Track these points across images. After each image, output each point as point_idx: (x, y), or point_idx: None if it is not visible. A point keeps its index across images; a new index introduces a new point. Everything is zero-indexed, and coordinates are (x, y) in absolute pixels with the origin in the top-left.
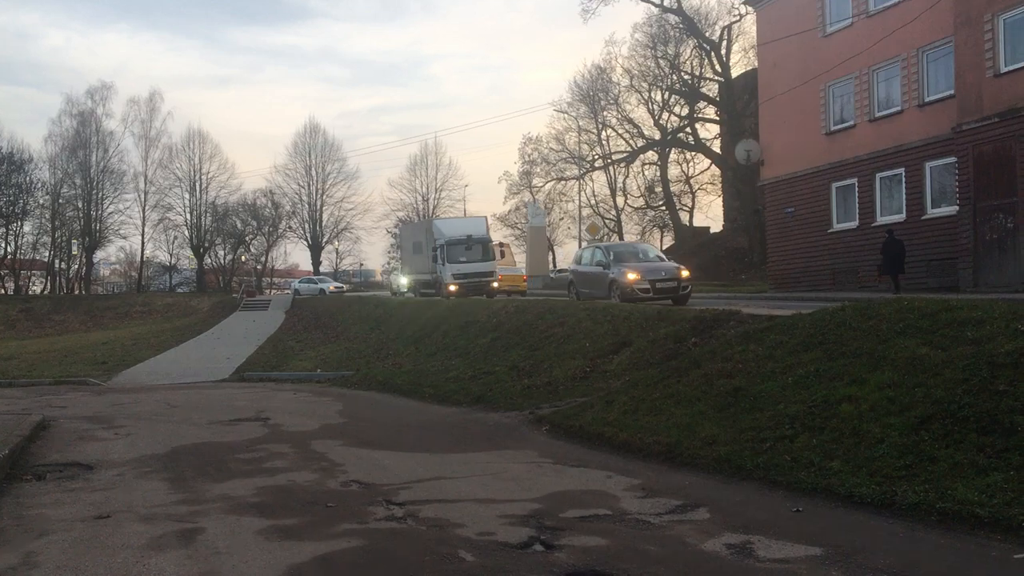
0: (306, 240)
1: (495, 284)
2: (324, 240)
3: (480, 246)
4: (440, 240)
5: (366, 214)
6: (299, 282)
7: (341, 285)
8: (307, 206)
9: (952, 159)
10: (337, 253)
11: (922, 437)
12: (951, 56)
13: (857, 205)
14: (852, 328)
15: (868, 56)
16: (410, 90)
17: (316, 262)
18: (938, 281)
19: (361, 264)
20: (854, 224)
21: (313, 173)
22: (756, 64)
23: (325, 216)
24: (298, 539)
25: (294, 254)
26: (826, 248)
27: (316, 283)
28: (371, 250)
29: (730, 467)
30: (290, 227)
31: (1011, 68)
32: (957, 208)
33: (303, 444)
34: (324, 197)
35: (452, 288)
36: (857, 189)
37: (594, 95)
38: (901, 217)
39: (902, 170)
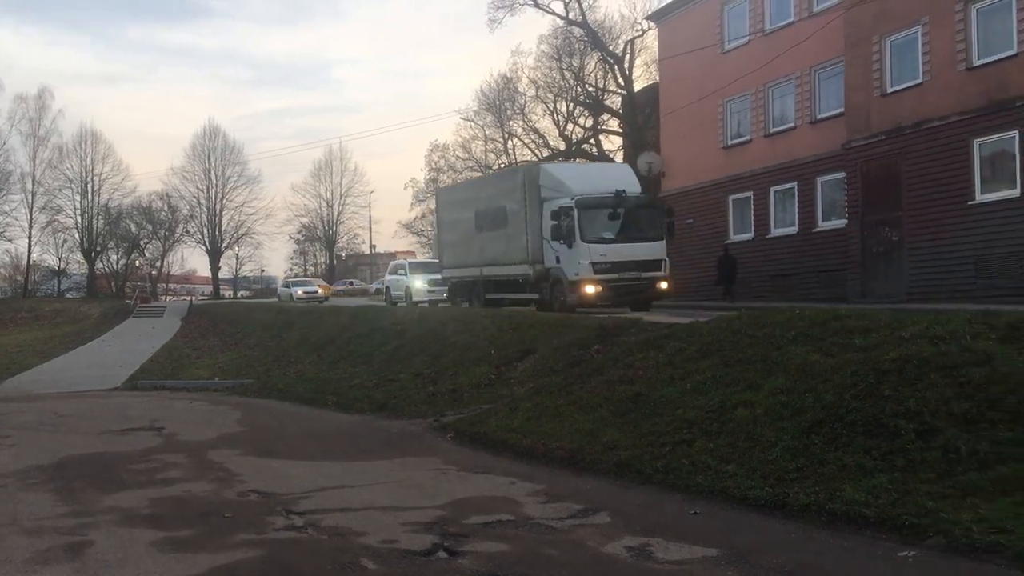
0: (204, 245)
1: (664, 285)
2: (223, 245)
3: (642, 213)
4: (562, 200)
5: (268, 219)
6: (284, 286)
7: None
8: (206, 210)
9: (842, 174)
10: (237, 259)
11: (813, 441)
12: (842, 75)
13: (752, 217)
14: (747, 336)
15: (764, 73)
16: (314, 93)
17: (215, 268)
18: (827, 292)
19: (262, 270)
20: (750, 236)
21: (212, 176)
22: (658, 78)
23: (225, 221)
24: (193, 551)
25: (191, 259)
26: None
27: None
28: (273, 256)
29: (631, 471)
30: (187, 231)
31: (897, 88)
32: (846, 221)
33: (199, 454)
34: (224, 201)
35: (589, 290)
36: (753, 202)
37: (500, 104)
38: (794, 229)
39: (795, 184)
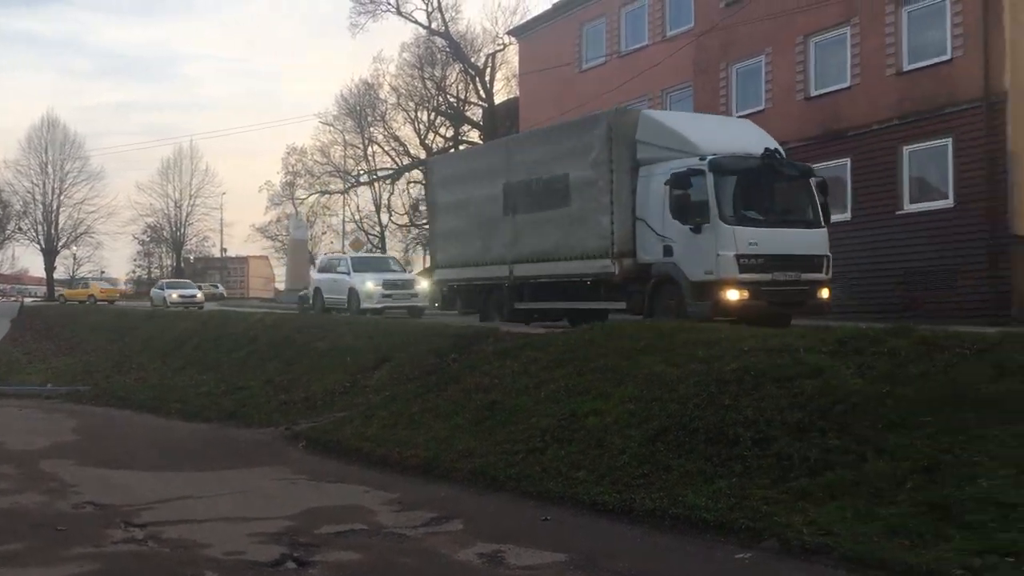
0: (39, 243)
1: (826, 293)
2: (60, 244)
3: (797, 186)
4: (684, 161)
5: (110, 218)
6: (158, 288)
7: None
8: (41, 206)
9: None
10: (75, 259)
11: (658, 448)
12: (692, 99)
13: None
14: (600, 346)
15: (619, 94)
16: (164, 89)
17: (49, 268)
18: None
19: (102, 272)
20: None
21: (50, 170)
22: (518, 92)
23: (62, 218)
24: (22, 566)
25: (24, 258)
26: None
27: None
28: (114, 257)
29: (485, 479)
30: (20, 228)
31: (742, 114)
32: None
33: (30, 464)
34: (62, 197)
35: (732, 296)
36: None
37: (361, 110)
38: None
39: None
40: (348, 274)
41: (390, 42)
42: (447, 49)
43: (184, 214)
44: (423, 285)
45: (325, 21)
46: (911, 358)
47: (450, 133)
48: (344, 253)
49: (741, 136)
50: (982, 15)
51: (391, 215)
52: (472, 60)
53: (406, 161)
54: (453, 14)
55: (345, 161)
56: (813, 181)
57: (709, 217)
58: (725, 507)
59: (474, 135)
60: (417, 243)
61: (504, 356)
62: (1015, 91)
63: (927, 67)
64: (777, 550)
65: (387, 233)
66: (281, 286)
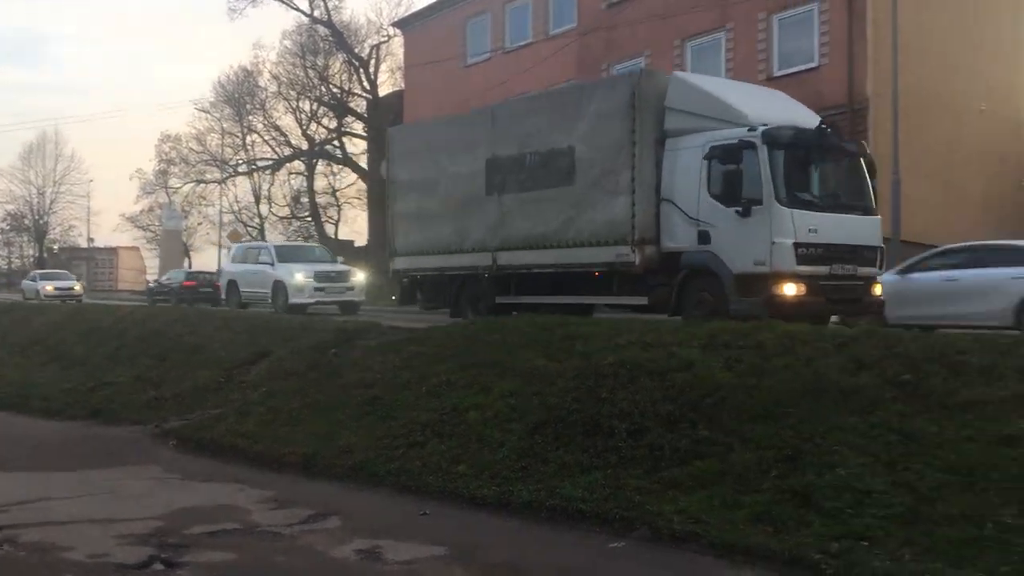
0: None
1: (879, 290)
2: None
3: (848, 166)
4: (728, 132)
5: None
6: (30, 279)
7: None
8: None
9: None
10: None
11: (537, 441)
12: None
13: None
14: (482, 341)
15: (504, 90)
16: (26, 70)
17: None
18: None
19: None
20: None
21: None
22: (403, 85)
23: None
24: None
25: None
26: None
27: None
28: None
29: (365, 474)
30: None
31: None
32: None
33: None
34: None
35: (789, 291)
36: None
37: (240, 98)
38: None
39: None
40: (272, 265)
41: (271, 29)
42: (330, 38)
43: (48, 202)
44: (359, 277)
45: (202, 5)
46: (776, 352)
47: (333, 124)
48: (266, 241)
49: (788, 107)
50: (847, 25)
51: (271, 206)
52: (356, 51)
53: (287, 152)
54: (336, 2)
55: (223, 150)
56: (864, 161)
57: (762, 197)
58: (600, 497)
59: (359, 127)
60: (299, 235)
61: (387, 351)
62: (876, 97)
63: (796, 73)
64: (649, 538)
65: (267, 225)
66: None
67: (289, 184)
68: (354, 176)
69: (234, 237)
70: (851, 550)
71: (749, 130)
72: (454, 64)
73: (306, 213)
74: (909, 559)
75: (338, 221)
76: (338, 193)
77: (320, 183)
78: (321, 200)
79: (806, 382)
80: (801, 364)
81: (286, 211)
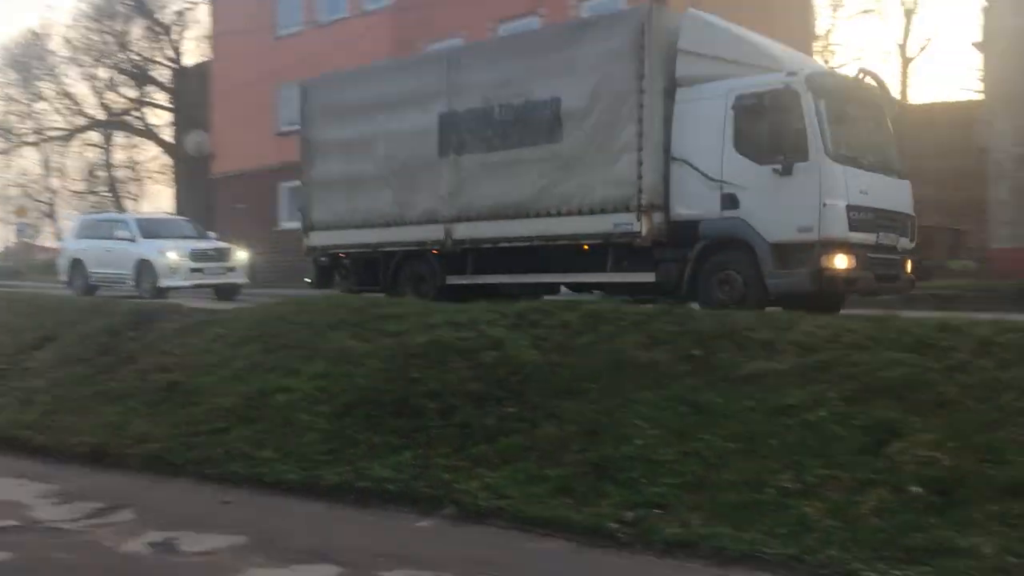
0: None
1: (910, 267)
2: None
3: (883, 122)
4: (762, 79)
5: None
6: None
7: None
8: None
9: None
10: None
11: (346, 423)
12: None
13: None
14: (290, 322)
15: (315, 65)
16: None
17: None
18: None
19: None
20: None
21: None
22: (211, 55)
23: None
24: None
25: None
26: (273, 246)
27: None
28: None
29: (162, 464)
30: None
31: None
32: None
33: None
34: None
35: (841, 263)
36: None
37: (28, 62)
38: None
39: None
40: (133, 241)
41: None
42: (130, 2)
43: None
44: (241, 256)
45: None
46: (580, 329)
47: (134, 94)
48: (127, 212)
49: (806, 58)
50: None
51: (64, 180)
52: (158, 16)
53: (82, 122)
54: None
55: (7, 117)
56: (891, 116)
57: (808, 152)
58: (408, 477)
59: (162, 97)
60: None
61: (186, 333)
62: None
63: None
64: (456, 516)
65: (59, 199)
66: None
67: (84, 156)
68: (157, 149)
69: (20, 212)
70: (645, 518)
71: (787, 74)
72: (264, 36)
73: (104, 188)
74: (698, 524)
75: (139, 197)
76: (139, 167)
77: (120, 156)
78: (121, 174)
79: (607, 359)
80: (603, 341)
81: (82, 185)
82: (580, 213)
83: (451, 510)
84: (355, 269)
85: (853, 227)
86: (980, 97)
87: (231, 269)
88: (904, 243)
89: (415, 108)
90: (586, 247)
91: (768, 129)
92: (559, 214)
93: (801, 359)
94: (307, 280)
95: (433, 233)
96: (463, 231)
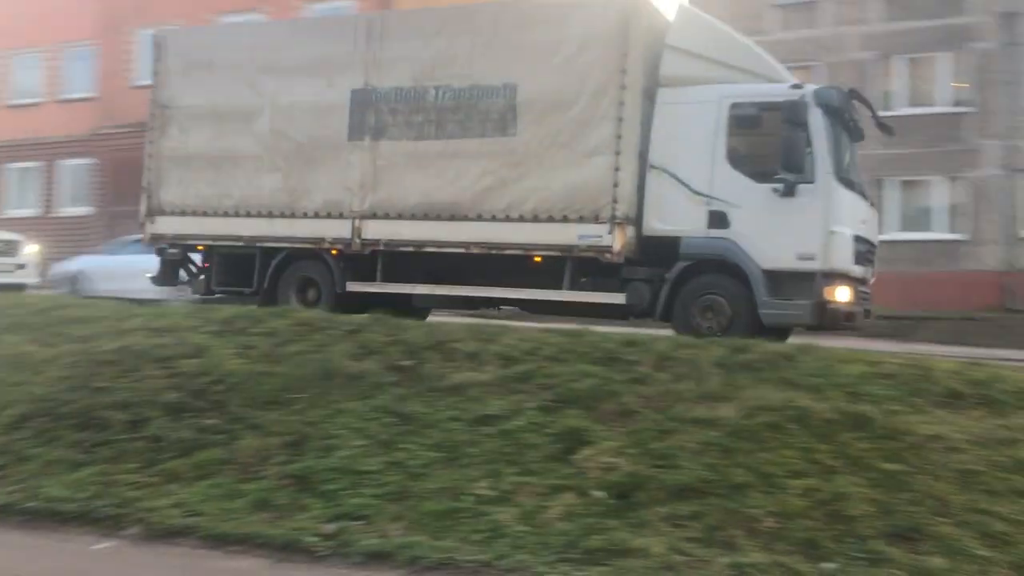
0: None
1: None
2: None
3: (856, 145)
4: (765, 90)
5: None
6: None
7: None
8: None
9: (90, 160)
10: None
11: (18, 436)
12: (97, 57)
13: None
14: None
15: (7, 39)
16: None
17: None
18: None
19: None
20: None
21: None
22: None
23: None
24: None
25: None
26: None
27: None
28: None
29: None
30: None
31: (147, 83)
32: (93, 209)
33: None
34: None
35: (843, 295)
36: None
37: None
38: (36, 212)
39: (39, 164)
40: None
41: None
42: None
43: None
44: (31, 250)
45: None
46: (290, 338)
47: None
48: None
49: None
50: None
51: None
52: None
53: None
54: None
55: None
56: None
57: (816, 174)
58: (89, 496)
59: None
60: None
61: None
62: None
63: None
64: (141, 536)
65: None
66: None
67: None
68: None
69: None
70: (347, 529)
71: (793, 86)
72: None
73: None
74: (397, 534)
75: None
76: None
77: None
78: None
79: (316, 368)
80: (313, 350)
81: None
82: (536, 220)
83: (136, 530)
84: (218, 266)
85: (856, 259)
86: None
87: (20, 266)
88: (871, 275)
89: (316, 78)
90: (538, 259)
91: (769, 144)
92: (508, 219)
93: (504, 370)
94: (148, 276)
95: (335, 229)
96: (376, 230)
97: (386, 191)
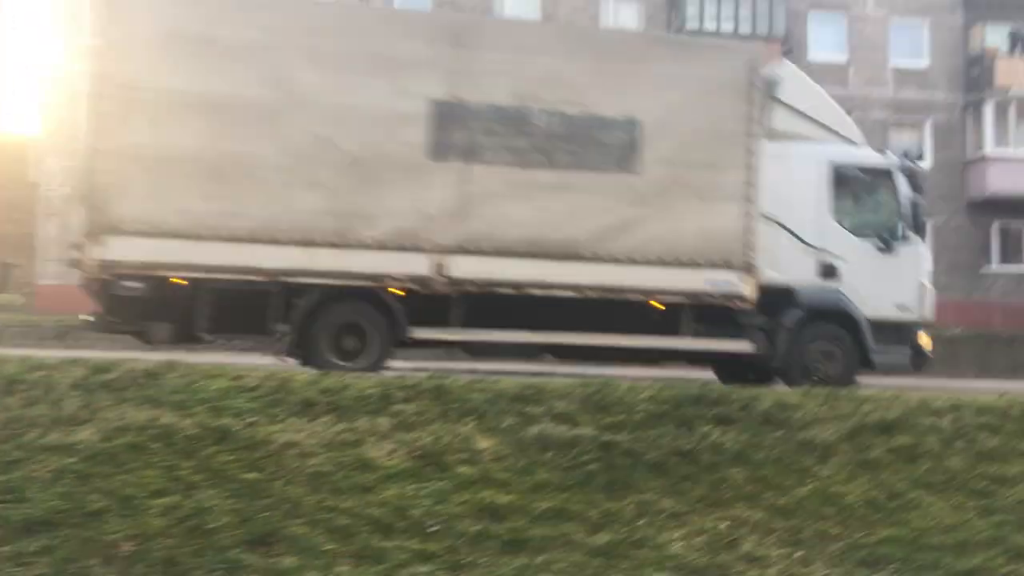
0: None
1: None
2: None
3: None
4: (870, 154)
5: None
6: None
7: None
8: None
9: None
10: None
11: None
12: None
13: None
14: None
15: None
16: None
17: None
18: None
19: None
20: None
21: None
22: None
23: None
24: None
25: None
26: None
27: None
28: None
29: None
30: None
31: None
32: None
33: None
34: None
35: (926, 342)
36: None
37: None
38: None
39: None
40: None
41: None
42: None
43: None
44: None
45: None
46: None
47: None
48: None
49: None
50: None
51: None
52: None
53: None
54: None
55: None
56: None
57: (908, 233)
58: None
59: None
60: None
61: None
62: None
63: None
64: None
65: None
66: None
67: None
68: None
69: None
70: None
71: (883, 153)
72: None
73: None
74: None
75: None
76: None
77: None
78: None
79: None
80: None
81: None
82: (662, 264)
83: None
84: (211, 307)
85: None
86: (36, 133)
87: None
88: None
89: (378, 79)
90: (657, 305)
91: (865, 203)
92: (631, 261)
93: None
94: (85, 318)
95: (406, 265)
96: (468, 267)
97: (482, 223)
